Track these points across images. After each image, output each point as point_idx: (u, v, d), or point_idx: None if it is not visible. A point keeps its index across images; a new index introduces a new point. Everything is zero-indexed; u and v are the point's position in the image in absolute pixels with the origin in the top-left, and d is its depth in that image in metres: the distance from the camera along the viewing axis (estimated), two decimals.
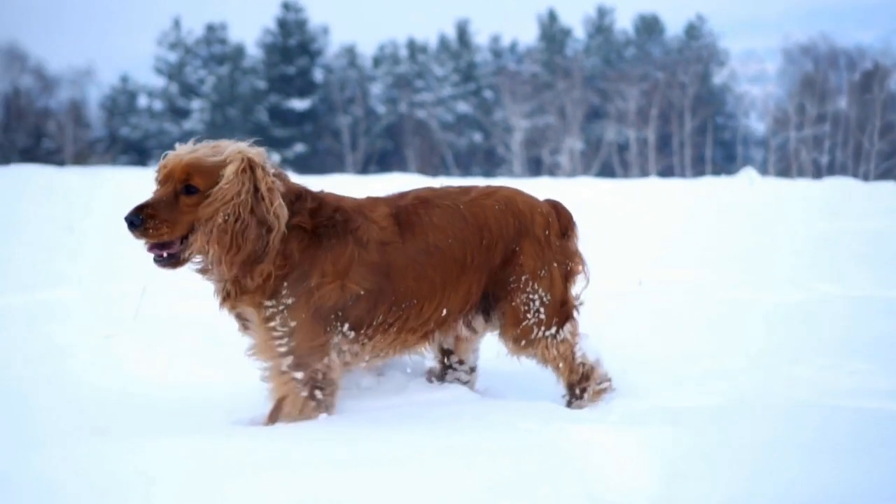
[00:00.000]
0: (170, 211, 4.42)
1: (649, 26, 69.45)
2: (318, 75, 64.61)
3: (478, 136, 65.96)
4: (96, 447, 3.91)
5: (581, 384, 5.14)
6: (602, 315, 6.22)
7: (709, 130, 63.75)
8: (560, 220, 5.24)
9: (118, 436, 4.30)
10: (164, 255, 4.48)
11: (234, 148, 4.52)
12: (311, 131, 63.41)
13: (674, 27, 75.43)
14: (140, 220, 4.38)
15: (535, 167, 63.44)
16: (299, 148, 62.27)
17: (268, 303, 4.53)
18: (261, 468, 3.72)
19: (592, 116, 64.84)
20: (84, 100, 64.39)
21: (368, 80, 66.80)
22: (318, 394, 4.61)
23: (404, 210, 4.87)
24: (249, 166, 4.44)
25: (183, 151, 4.53)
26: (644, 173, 59.03)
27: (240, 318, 4.70)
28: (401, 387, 5.19)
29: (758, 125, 68.92)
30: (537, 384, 5.28)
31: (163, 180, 4.48)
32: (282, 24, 64.12)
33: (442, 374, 5.37)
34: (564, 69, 64.45)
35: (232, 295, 4.59)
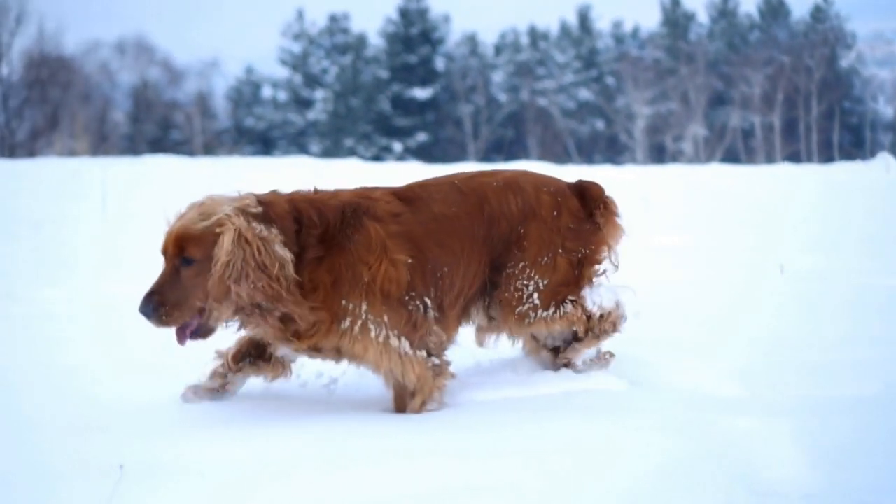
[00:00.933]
0: (176, 290, 4.39)
1: (774, 10, 67.99)
2: (439, 64, 64.72)
3: (600, 124, 65.40)
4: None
5: (601, 325, 5.07)
6: (744, 302, 6.15)
7: (836, 115, 62.24)
8: (585, 202, 5.11)
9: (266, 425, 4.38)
10: (188, 334, 4.46)
11: (221, 210, 4.42)
12: (433, 120, 63.59)
13: (799, 10, 73.65)
14: (151, 309, 4.36)
15: (658, 154, 62.69)
16: (421, 137, 62.50)
17: (345, 323, 4.54)
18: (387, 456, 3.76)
19: (716, 102, 63.78)
20: (210, 91, 65.62)
21: (490, 68, 66.70)
22: (435, 360, 4.65)
23: (402, 190, 4.85)
24: (240, 234, 4.34)
25: (174, 222, 4.46)
26: (770, 159, 57.88)
27: (318, 351, 4.71)
28: (525, 379, 5.10)
29: (886, 109, 67.08)
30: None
31: (164, 256, 4.45)
32: (403, 13, 64.37)
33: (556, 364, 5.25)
34: (688, 54, 63.52)
35: (301, 339, 4.59)
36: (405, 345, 4.56)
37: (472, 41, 66.89)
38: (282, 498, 3.44)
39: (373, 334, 4.52)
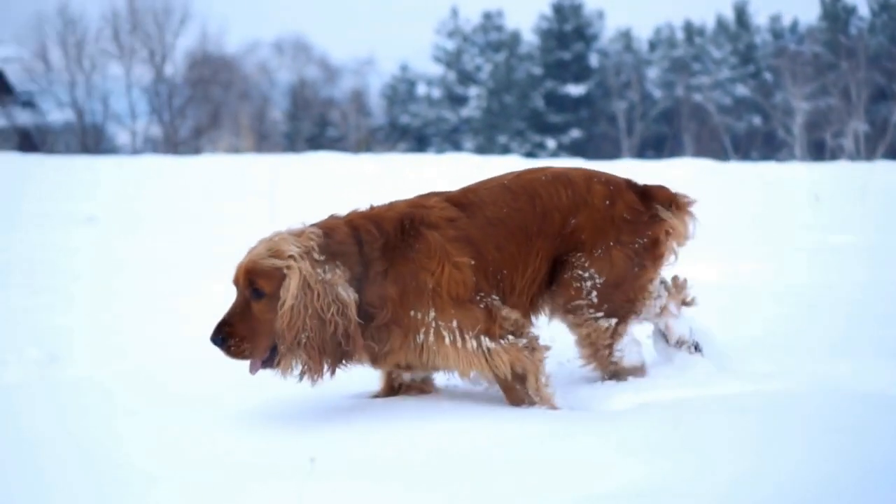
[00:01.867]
0: (246, 322, 4.49)
1: None
2: (593, 60, 64.28)
3: (757, 120, 64.08)
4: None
5: (599, 366, 5.06)
6: None
7: None
8: (647, 200, 5.06)
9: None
10: (260, 365, 4.55)
11: (288, 251, 4.49)
12: (586, 117, 63.17)
13: None
14: (222, 339, 4.46)
15: (818, 150, 61.15)
16: (575, 133, 62.17)
17: (419, 336, 4.60)
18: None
19: (878, 97, 61.90)
20: (365, 88, 66.42)
21: (644, 63, 65.98)
22: (523, 341, 4.66)
23: (452, 196, 4.86)
24: (305, 278, 4.42)
25: (245, 256, 4.57)
26: None
27: (410, 367, 4.81)
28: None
29: None
30: None
31: (235, 287, 4.56)
32: (557, 9, 64.07)
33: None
34: (848, 49, 61.80)
35: (380, 362, 4.72)
36: (486, 341, 4.59)
37: (626, 37, 66.21)
38: (473, 494, 3.47)
39: (447, 341, 4.58)
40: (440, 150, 56.65)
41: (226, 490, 3.61)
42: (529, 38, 65.02)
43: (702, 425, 4.13)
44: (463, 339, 4.57)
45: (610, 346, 5.00)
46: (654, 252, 5.02)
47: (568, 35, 63.61)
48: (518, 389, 4.70)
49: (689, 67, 64.95)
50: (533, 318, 5.03)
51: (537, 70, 63.29)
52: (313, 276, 4.43)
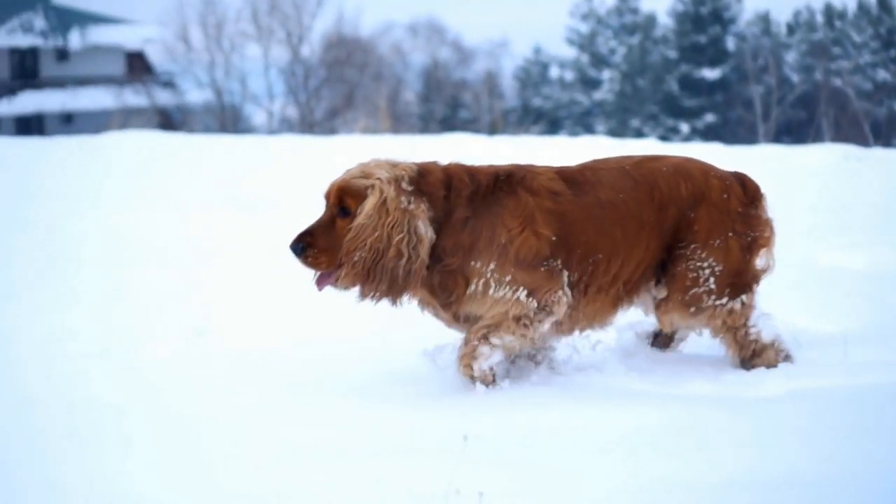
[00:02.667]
0: (328, 237, 4.62)
1: None
2: (730, 44, 63.23)
3: None
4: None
5: (752, 360, 5.03)
6: None
7: None
8: (746, 189, 5.10)
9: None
10: (329, 282, 4.67)
11: (377, 174, 4.59)
12: (721, 101, 62.18)
13: None
14: (301, 248, 4.60)
15: None
16: (709, 118, 61.26)
17: (473, 286, 4.67)
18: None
19: None
20: (498, 71, 66.36)
21: (782, 47, 64.66)
22: (532, 314, 4.70)
23: (568, 171, 4.87)
24: (385, 199, 4.50)
25: (340, 175, 4.67)
26: None
27: (467, 321, 4.85)
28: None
29: None
30: None
31: (325, 201, 4.69)
32: None
33: (667, 342, 5.42)
34: None
35: (442, 302, 4.79)
36: (523, 295, 4.67)
37: (764, 20, 64.98)
38: (627, 478, 3.48)
39: (491, 291, 4.65)
40: (572, 134, 56.33)
41: (379, 465, 3.68)
42: (665, 21, 64.18)
43: (856, 413, 4.07)
44: (506, 292, 4.66)
45: (745, 324, 5.07)
46: (759, 243, 5.12)
47: (704, 18, 62.65)
48: (487, 330, 4.76)
49: (828, 51, 63.42)
50: (622, 308, 5.11)
51: (672, 53, 62.46)
52: (394, 201, 4.55)
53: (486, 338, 4.71)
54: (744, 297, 5.06)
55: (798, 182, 12.54)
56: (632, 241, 4.90)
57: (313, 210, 11.25)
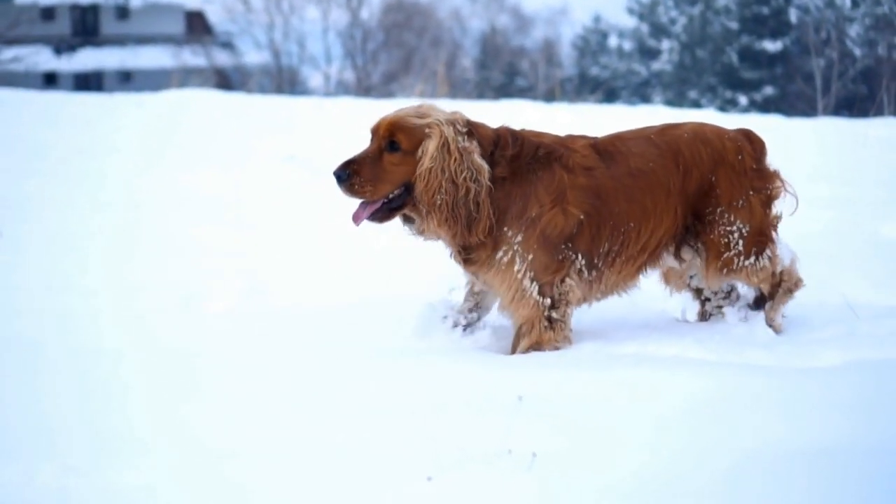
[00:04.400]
0: (373, 168, 4.72)
1: None
2: (792, 16, 62.37)
3: None
4: None
5: (774, 288, 5.25)
6: None
7: None
8: (754, 146, 5.24)
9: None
10: (367, 214, 4.81)
11: (434, 116, 4.73)
12: (781, 73, 61.40)
13: None
14: (346, 175, 4.70)
15: None
16: (769, 91, 60.50)
17: (499, 253, 4.79)
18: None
19: None
20: (557, 39, 66.00)
21: (846, 20, 63.68)
22: (554, 314, 4.84)
23: (600, 142, 5.00)
24: (446, 141, 4.64)
25: (391, 112, 4.78)
26: None
27: (475, 273, 4.98)
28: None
29: None
30: None
31: (372, 135, 4.78)
32: None
33: (705, 313, 5.56)
34: None
35: (465, 256, 4.91)
36: (528, 284, 4.80)
37: None
38: (678, 440, 3.48)
39: (515, 268, 4.78)
40: (629, 104, 55.98)
41: (431, 424, 3.70)
42: None
43: None
44: (524, 273, 4.79)
45: (774, 272, 5.30)
46: (774, 195, 5.31)
47: None
48: (518, 342, 4.93)
49: (893, 25, 62.38)
50: (644, 275, 5.26)
51: (733, 24, 61.74)
52: (454, 141, 4.69)
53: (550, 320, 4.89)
54: (769, 250, 5.25)
55: (859, 155, 12.41)
56: (661, 209, 5.06)
57: None
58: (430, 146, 4.68)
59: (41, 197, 9.68)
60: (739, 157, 5.18)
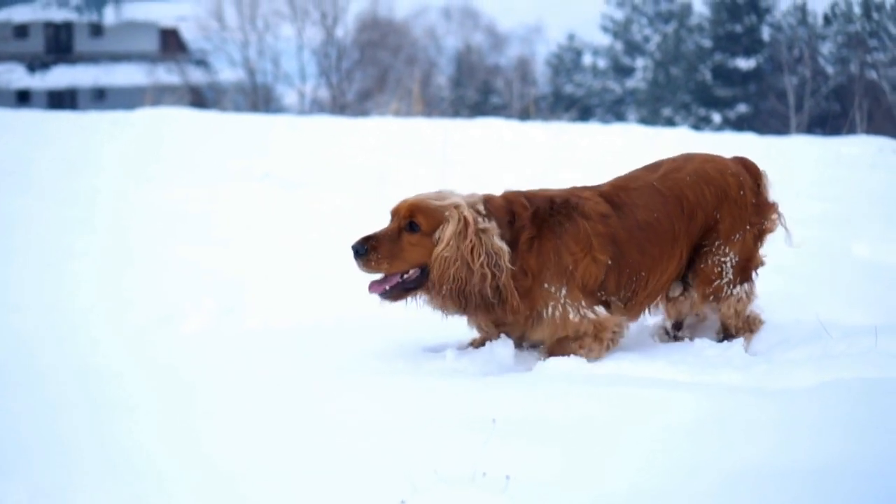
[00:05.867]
0: (392, 246, 4.78)
1: None
2: (765, 34, 62.81)
3: None
4: None
5: (741, 332, 5.39)
6: None
7: None
8: (753, 178, 5.40)
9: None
10: (385, 289, 4.84)
11: (453, 199, 4.83)
12: (755, 91, 61.79)
13: None
14: (365, 250, 4.77)
15: None
16: (742, 108, 60.87)
17: (548, 310, 4.90)
18: None
19: None
20: (531, 57, 66.23)
21: (819, 38, 64.19)
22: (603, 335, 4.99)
23: (606, 194, 5.10)
24: (465, 225, 4.71)
25: (412, 195, 4.89)
26: None
27: (510, 331, 5.07)
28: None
29: None
30: None
31: (391, 216, 4.86)
32: None
33: (678, 336, 5.62)
34: None
35: (497, 323, 5.00)
36: (589, 313, 4.97)
37: (800, 10, 64.43)
38: (648, 460, 3.47)
39: (571, 315, 4.90)
40: (603, 121, 56.21)
41: (405, 445, 3.69)
42: (700, 10, 63.80)
43: (887, 404, 4.04)
44: (580, 318, 4.92)
45: (747, 306, 5.46)
46: (768, 228, 5.49)
47: (740, 7, 62.22)
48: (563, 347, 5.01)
49: (865, 44, 62.89)
50: (648, 314, 5.47)
51: (707, 42, 62.10)
52: (472, 226, 4.74)
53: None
54: (748, 283, 5.43)
55: (831, 174, 12.48)
56: (668, 255, 5.19)
57: (343, 190, 11.27)
58: (448, 231, 4.75)
59: (10, 214, 9.62)
60: (741, 193, 5.33)
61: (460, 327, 5.27)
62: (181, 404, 4.23)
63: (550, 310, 4.89)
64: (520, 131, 17.65)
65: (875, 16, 65.11)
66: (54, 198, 10.72)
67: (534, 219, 4.90)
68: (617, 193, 5.15)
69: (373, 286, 4.92)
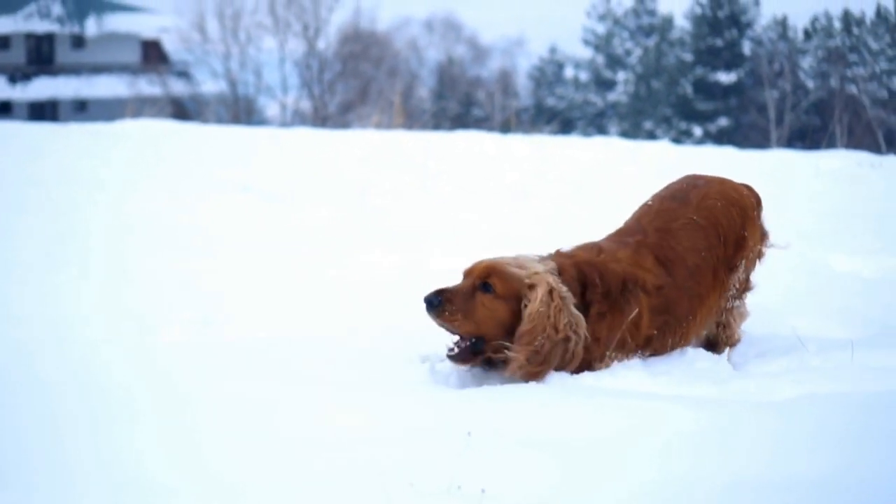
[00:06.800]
0: (465, 301, 4.80)
1: None
2: (746, 48, 63.09)
3: None
4: None
5: (723, 345, 5.47)
6: None
7: None
8: (758, 201, 5.60)
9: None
10: (456, 350, 4.86)
11: (535, 267, 4.86)
12: (735, 105, 62.04)
13: None
14: (439, 301, 4.77)
15: None
16: (723, 122, 61.11)
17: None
18: None
19: None
20: (513, 69, 66.37)
21: (799, 53, 64.50)
22: None
23: (658, 247, 5.14)
24: (552, 289, 4.74)
25: (488, 257, 4.94)
26: None
27: None
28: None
29: None
30: None
31: (465, 276, 4.89)
32: None
33: None
34: None
35: None
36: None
37: (781, 25, 64.78)
38: (626, 475, 3.47)
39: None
40: (585, 134, 56.31)
41: (380, 459, 3.68)
42: (682, 24, 64.08)
43: (862, 418, 4.05)
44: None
45: (742, 322, 5.61)
46: (761, 252, 5.66)
47: (721, 21, 62.51)
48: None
49: (845, 58, 63.22)
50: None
51: (688, 56, 62.37)
52: (557, 291, 4.78)
53: None
54: (743, 301, 5.59)
55: (810, 188, 12.53)
56: (710, 288, 5.28)
57: (324, 202, 11.23)
58: (540, 291, 4.76)
59: None
60: (756, 213, 5.54)
61: (439, 339, 5.25)
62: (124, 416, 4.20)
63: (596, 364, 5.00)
64: (501, 144, 17.64)
65: (855, 31, 65.50)
66: (25, 208, 10.67)
67: (605, 296, 4.95)
68: (665, 241, 5.20)
69: (465, 359, 4.93)
